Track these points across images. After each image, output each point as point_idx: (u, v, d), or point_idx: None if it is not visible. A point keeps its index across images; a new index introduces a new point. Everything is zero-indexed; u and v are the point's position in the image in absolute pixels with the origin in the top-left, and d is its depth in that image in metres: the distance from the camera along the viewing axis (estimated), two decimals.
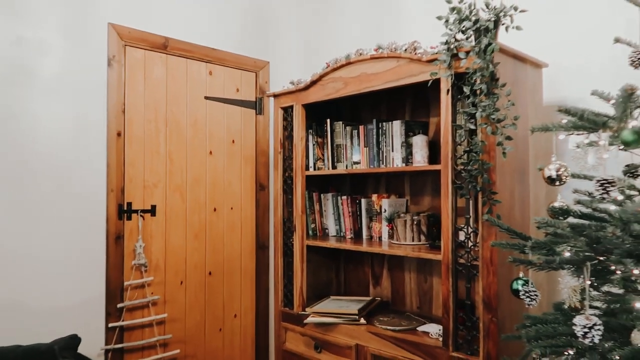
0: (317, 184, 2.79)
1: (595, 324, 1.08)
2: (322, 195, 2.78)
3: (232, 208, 3.16)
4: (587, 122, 1.17)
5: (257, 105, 3.28)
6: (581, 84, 2.10)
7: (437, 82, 1.91)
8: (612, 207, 1.12)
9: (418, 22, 2.66)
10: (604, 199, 1.19)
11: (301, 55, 3.38)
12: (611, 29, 2.01)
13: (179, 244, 2.90)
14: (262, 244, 3.29)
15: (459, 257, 1.89)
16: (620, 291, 1.22)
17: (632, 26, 1.94)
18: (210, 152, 3.06)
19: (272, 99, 3.26)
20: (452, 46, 1.80)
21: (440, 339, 2.01)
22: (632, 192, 1.23)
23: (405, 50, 2.05)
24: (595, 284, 1.28)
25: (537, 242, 1.30)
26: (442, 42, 1.83)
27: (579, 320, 1.10)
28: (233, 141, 3.17)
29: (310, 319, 2.36)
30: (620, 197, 1.23)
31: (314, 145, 2.66)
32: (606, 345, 1.12)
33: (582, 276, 1.26)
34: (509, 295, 1.85)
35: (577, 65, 2.10)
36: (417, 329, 2.17)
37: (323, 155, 2.66)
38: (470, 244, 1.86)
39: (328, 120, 2.62)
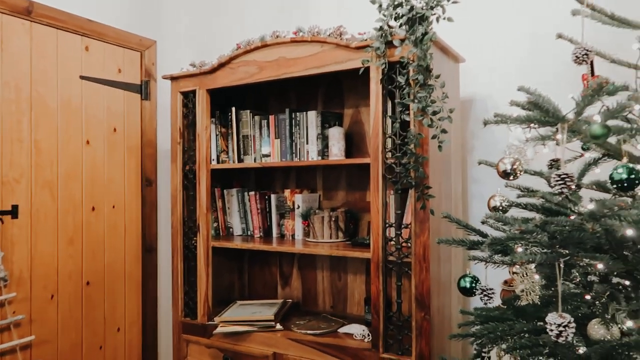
0: (220, 179, 2.53)
1: (569, 322, 1.05)
2: (225, 191, 2.53)
3: (114, 206, 2.74)
4: (552, 117, 1.15)
5: (142, 89, 2.89)
6: (487, 80, 2.16)
7: (359, 71, 1.80)
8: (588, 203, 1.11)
9: (325, 9, 2.54)
10: (562, 193, 1.18)
11: (193, 37, 3.05)
12: (518, 30, 2.10)
13: (48, 250, 2.42)
14: (150, 246, 2.92)
15: (389, 255, 1.81)
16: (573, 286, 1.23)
17: (538, 25, 2.05)
18: (88, 142, 2.61)
19: (164, 82, 2.90)
20: (386, 33, 1.71)
21: (366, 340, 1.93)
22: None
23: (330, 35, 1.91)
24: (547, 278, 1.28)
25: (495, 238, 1.26)
26: (375, 28, 1.73)
27: (552, 318, 1.07)
28: (115, 129, 2.75)
29: (220, 329, 2.12)
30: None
31: (217, 135, 2.40)
32: (574, 341, 1.11)
33: (536, 270, 1.24)
34: (438, 291, 1.83)
35: (485, 63, 2.16)
36: (338, 330, 2.06)
37: (228, 147, 2.42)
38: (401, 240, 1.80)
39: (233, 109, 2.38)
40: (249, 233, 2.47)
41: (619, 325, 1.11)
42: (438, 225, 1.80)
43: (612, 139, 1.28)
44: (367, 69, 1.80)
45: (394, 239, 1.82)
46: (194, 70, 2.25)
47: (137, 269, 2.86)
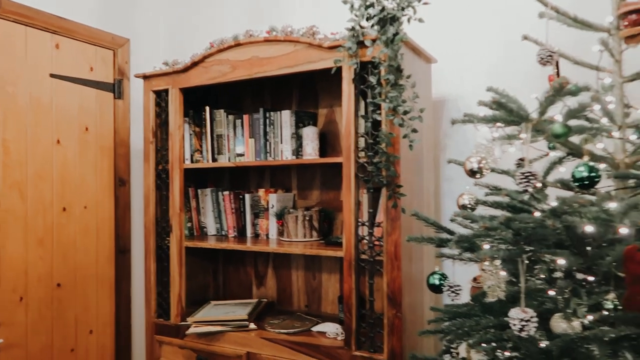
0: (193, 179, 2.51)
1: (532, 317, 1.08)
2: (199, 190, 2.51)
3: (85, 207, 2.69)
4: (516, 116, 1.17)
5: (115, 88, 2.85)
6: (459, 81, 2.20)
7: (332, 71, 1.81)
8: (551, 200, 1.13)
9: (300, 9, 2.54)
10: (526, 190, 1.20)
11: (167, 35, 3.03)
12: (489, 32, 2.13)
13: (17, 252, 2.36)
14: (123, 247, 2.88)
15: (361, 253, 1.83)
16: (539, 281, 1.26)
17: (508, 27, 2.09)
18: (58, 141, 2.56)
19: (138, 81, 2.86)
20: (358, 33, 1.72)
21: (339, 338, 1.94)
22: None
23: (303, 34, 1.92)
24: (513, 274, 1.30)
25: (461, 236, 1.28)
26: (347, 28, 1.74)
27: (515, 313, 1.10)
28: (87, 128, 2.70)
29: (193, 329, 2.10)
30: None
31: (191, 135, 2.38)
32: (537, 335, 1.14)
33: (502, 267, 1.27)
34: (410, 289, 1.85)
35: (456, 64, 2.19)
36: (312, 329, 2.06)
37: (201, 146, 2.40)
38: (373, 239, 1.81)
39: (207, 108, 2.37)
40: (223, 233, 2.46)
41: (581, 320, 1.14)
42: (410, 223, 1.82)
43: (575, 138, 1.32)
44: (339, 69, 1.81)
45: (366, 238, 1.83)
46: (166, 69, 2.23)
47: (110, 270, 2.82)
